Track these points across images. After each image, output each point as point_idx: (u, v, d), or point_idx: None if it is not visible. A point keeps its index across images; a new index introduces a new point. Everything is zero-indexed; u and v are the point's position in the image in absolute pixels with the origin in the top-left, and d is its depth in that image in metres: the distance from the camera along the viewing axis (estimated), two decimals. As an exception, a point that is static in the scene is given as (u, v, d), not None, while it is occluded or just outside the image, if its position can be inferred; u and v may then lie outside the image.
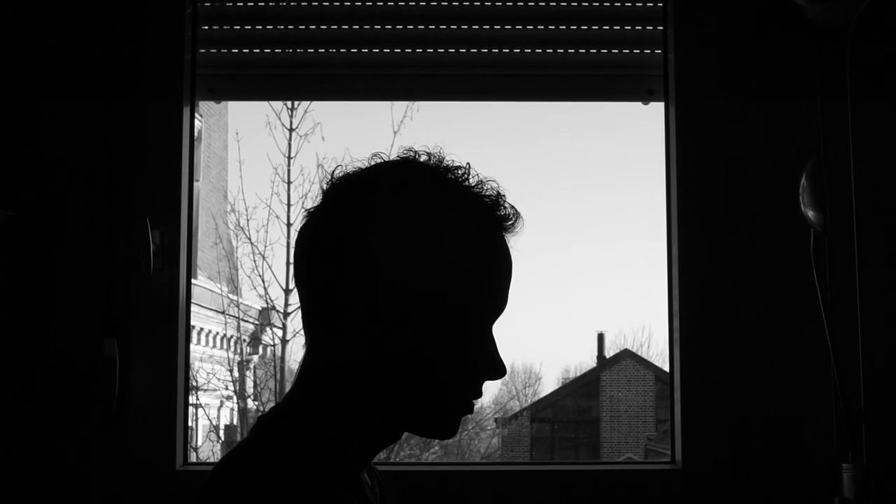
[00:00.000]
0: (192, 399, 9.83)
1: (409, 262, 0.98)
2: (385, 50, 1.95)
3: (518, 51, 1.95)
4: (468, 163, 1.03)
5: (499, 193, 1.02)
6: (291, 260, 0.99)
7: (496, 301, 1.02)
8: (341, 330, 0.99)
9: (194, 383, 10.02)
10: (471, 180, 1.02)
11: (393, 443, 1.06)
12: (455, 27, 1.95)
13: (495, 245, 1.02)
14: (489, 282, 1.01)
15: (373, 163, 1.04)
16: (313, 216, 1.03)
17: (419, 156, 1.03)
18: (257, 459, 0.96)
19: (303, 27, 1.95)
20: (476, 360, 1.01)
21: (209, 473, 0.97)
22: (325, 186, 1.04)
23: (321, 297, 1.00)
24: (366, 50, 1.95)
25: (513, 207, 1.03)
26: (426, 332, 0.98)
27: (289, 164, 9.90)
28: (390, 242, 0.98)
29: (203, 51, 1.94)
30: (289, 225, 9.74)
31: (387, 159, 1.04)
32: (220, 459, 1.00)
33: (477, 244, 1.00)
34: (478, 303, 1.00)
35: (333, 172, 1.04)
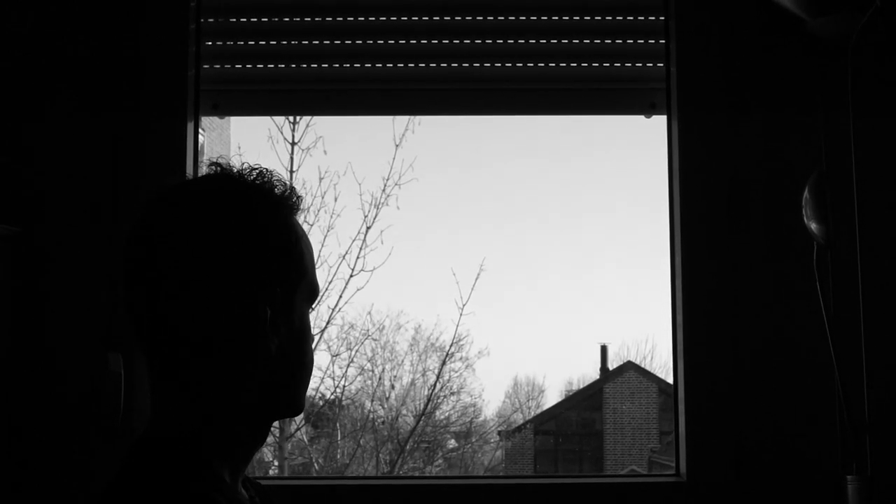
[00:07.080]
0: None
1: (219, 262, 1.04)
2: (388, 65, 1.96)
3: (520, 65, 1.96)
4: (246, 163, 1.10)
5: (284, 182, 1.10)
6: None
7: (309, 277, 1.10)
8: (174, 345, 1.04)
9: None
10: (256, 175, 1.09)
11: (260, 442, 1.09)
12: (458, 42, 1.96)
13: (294, 226, 1.10)
14: (298, 259, 1.09)
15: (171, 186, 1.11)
16: (130, 246, 1.08)
17: (212, 167, 1.11)
18: (118, 478, 1.02)
19: (306, 42, 1.96)
20: (301, 338, 1.08)
21: None
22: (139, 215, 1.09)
23: (149, 319, 1.05)
24: (369, 65, 1.96)
25: (298, 194, 1.11)
26: (245, 322, 1.04)
27: (291, 178, 9.91)
28: (198, 251, 1.04)
29: (207, 66, 1.95)
30: (291, 238, 9.74)
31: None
32: None
33: (280, 227, 1.08)
34: (296, 282, 1.08)
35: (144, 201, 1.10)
